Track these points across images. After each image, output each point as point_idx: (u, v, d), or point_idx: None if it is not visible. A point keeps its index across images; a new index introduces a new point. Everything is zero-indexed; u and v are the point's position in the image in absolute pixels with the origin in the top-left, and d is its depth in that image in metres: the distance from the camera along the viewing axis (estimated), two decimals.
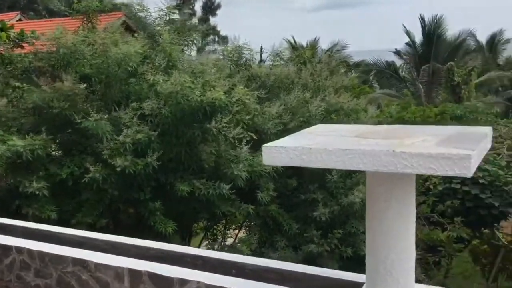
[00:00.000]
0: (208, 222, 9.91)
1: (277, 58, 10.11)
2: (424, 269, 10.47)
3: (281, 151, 2.68)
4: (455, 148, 2.26)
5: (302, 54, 11.23)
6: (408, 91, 25.30)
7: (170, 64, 7.88)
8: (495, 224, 12.11)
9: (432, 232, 9.93)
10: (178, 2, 43.82)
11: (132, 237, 8.28)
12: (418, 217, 11.51)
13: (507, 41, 34.28)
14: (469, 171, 2.19)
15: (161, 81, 6.91)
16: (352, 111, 9.71)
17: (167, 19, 8.93)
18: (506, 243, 12.47)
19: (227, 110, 7.16)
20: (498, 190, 11.38)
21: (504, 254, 12.50)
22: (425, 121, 12.70)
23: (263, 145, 2.66)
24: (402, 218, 2.79)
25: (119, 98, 8.01)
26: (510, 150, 17.98)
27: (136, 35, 8.48)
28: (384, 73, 30.18)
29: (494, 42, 33.48)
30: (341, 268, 8.89)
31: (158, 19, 9.12)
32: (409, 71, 29.91)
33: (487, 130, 2.73)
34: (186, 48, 9.87)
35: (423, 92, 26.38)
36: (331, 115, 9.74)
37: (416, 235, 10.04)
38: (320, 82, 10.03)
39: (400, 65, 31.46)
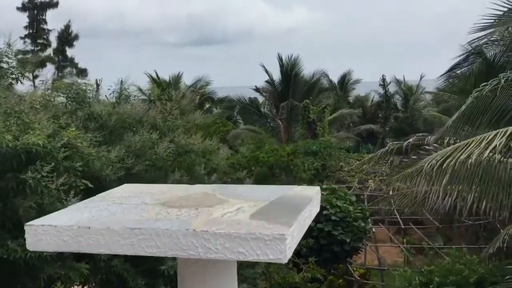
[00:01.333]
0: (43, 283, 8.52)
1: (123, 95, 9.29)
2: None
3: (50, 232, 1.91)
4: (270, 223, 1.73)
5: (152, 91, 10.54)
6: (263, 129, 25.98)
7: None
8: (348, 259, 12.45)
9: (288, 274, 9.73)
10: (30, 31, 40.63)
11: None
12: None
13: (356, 81, 37.76)
14: (284, 256, 1.65)
15: None
16: (203, 152, 9.25)
17: None
18: (358, 277, 12.88)
19: (51, 156, 6.12)
20: (349, 226, 11.73)
21: (358, 287, 12.90)
22: (278, 160, 12.80)
23: (26, 224, 1.89)
24: None
25: None
26: (361, 183, 19.14)
27: None
28: (247, 109, 30.83)
29: (344, 81, 36.55)
30: None
31: None
32: (269, 107, 30.95)
33: (314, 192, 2.25)
34: (14, 82, 8.59)
35: (282, 128, 27.33)
36: (183, 157, 9.21)
37: (273, 279, 9.51)
38: (170, 121, 9.43)
39: (262, 102, 32.48)
